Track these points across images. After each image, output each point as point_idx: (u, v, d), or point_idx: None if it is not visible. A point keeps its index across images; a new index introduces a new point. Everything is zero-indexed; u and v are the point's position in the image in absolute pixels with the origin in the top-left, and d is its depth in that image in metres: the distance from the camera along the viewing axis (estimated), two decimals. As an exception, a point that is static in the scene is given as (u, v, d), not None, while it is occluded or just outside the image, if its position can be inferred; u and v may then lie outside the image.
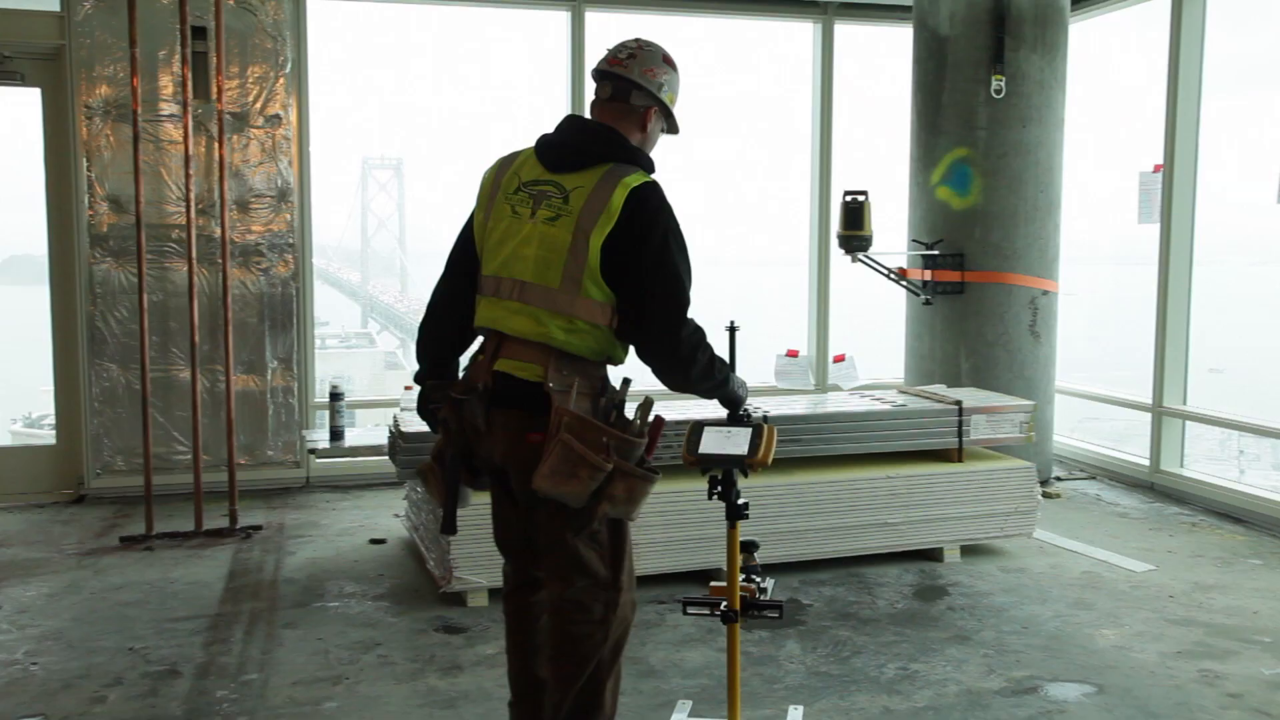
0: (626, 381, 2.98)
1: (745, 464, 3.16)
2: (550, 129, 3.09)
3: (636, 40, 3.15)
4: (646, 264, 2.86)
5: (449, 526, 3.04)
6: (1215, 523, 6.43)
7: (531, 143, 3.07)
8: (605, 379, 2.95)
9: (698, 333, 2.95)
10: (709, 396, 3.14)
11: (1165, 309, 7.08)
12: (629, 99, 3.07)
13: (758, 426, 3.20)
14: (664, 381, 3.02)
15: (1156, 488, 7.17)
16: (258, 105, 7.02)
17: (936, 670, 4.23)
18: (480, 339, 3.06)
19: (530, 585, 3.17)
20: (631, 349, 3.02)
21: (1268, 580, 5.35)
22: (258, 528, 6.23)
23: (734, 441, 3.20)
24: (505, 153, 3.14)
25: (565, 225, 2.86)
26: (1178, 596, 5.12)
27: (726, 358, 3.24)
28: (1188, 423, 7.17)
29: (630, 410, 2.93)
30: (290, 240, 7.14)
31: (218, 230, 6.61)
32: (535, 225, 2.91)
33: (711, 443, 3.22)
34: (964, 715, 3.83)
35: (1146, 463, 7.27)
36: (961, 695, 4.00)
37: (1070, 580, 5.36)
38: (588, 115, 3.14)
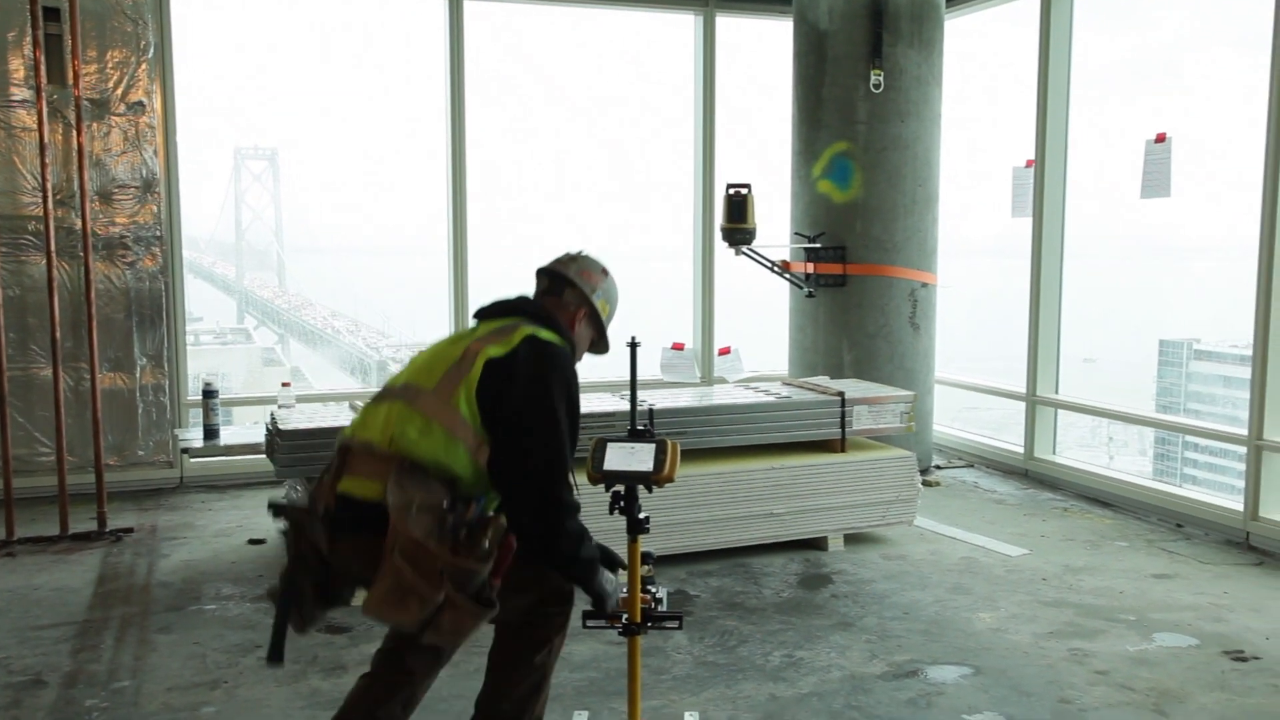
0: (482, 501, 2.86)
1: (651, 480, 3.17)
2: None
3: (580, 250, 3.31)
4: (525, 407, 2.85)
5: (275, 654, 2.85)
6: (1085, 507, 6.66)
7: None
8: (455, 496, 2.77)
9: (576, 509, 2.91)
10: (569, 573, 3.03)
11: (1038, 301, 7.30)
12: (562, 295, 3.20)
13: (661, 442, 3.21)
14: (526, 545, 2.85)
15: (1031, 474, 7.39)
16: (119, 91, 6.74)
17: (821, 657, 4.28)
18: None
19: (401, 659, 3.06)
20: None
21: (1133, 561, 5.56)
22: (128, 530, 6.00)
23: (638, 458, 3.20)
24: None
25: (461, 344, 2.95)
26: (1050, 579, 5.28)
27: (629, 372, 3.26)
28: (1060, 411, 7.41)
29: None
30: (157, 233, 6.88)
31: (78, 222, 6.32)
32: (439, 346, 3.01)
33: (616, 459, 3.22)
34: (847, 700, 3.89)
35: (1021, 450, 7.49)
36: (845, 680, 4.06)
37: (949, 566, 5.49)
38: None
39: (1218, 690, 3.99)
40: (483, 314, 3.13)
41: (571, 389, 2.97)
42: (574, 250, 3.32)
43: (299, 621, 2.86)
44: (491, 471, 2.86)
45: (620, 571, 3.20)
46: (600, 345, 3.31)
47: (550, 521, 2.89)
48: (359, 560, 2.78)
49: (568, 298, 3.20)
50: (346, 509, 2.79)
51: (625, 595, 3.19)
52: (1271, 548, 5.68)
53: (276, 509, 2.92)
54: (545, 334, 2.99)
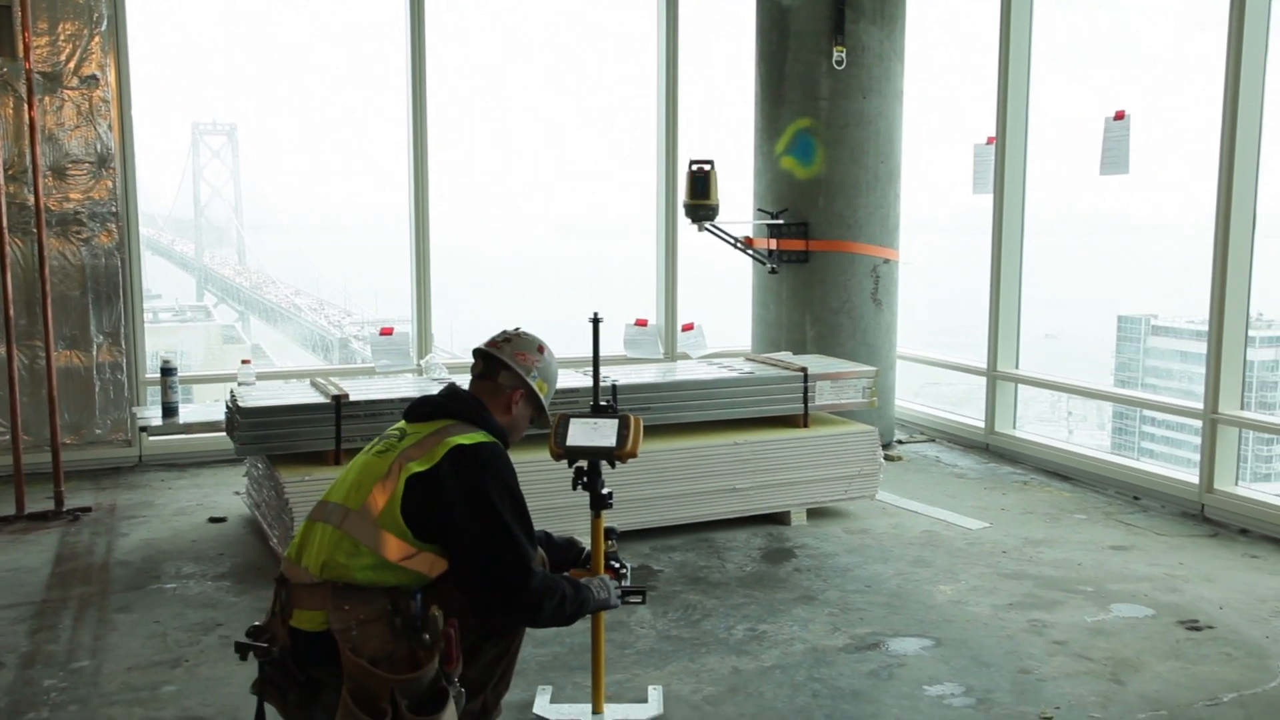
0: (426, 598, 2.88)
1: (614, 456, 3.18)
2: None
3: (516, 328, 3.31)
4: (470, 520, 2.87)
5: None
6: (1045, 480, 6.74)
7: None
8: (397, 600, 2.84)
9: (544, 582, 2.95)
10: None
11: (998, 277, 7.35)
12: (496, 378, 3.19)
13: (624, 418, 3.22)
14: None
15: (991, 449, 7.46)
16: (71, 65, 6.62)
17: (784, 630, 4.31)
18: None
19: None
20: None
21: (1091, 534, 5.64)
22: (86, 509, 5.94)
23: (601, 433, 3.22)
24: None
25: (388, 458, 2.94)
26: (1010, 552, 5.34)
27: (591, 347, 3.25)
28: (1020, 386, 7.47)
29: None
30: (113, 209, 6.77)
31: (31, 198, 6.21)
32: (367, 456, 3.00)
33: (579, 435, 3.23)
34: (810, 672, 3.92)
35: (982, 425, 7.56)
36: (808, 653, 4.09)
37: (911, 539, 5.54)
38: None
39: (1173, 659, 4.06)
40: (412, 414, 3.12)
41: (509, 482, 2.98)
42: (510, 329, 3.33)
43: (284, 710, 2.95)
44: (457, 583, 2.91)
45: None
46: (541, 421, 3.31)
47: (529, 613, 2.96)
48: (332, 682, 2.86)
49: (502, 380, 3.19)
50: (301, 644, 2.86)
51: (614, 590, 3.24)
52: (1226, 519, 5.77)
53: (242, 649, 2.95)
54: (471, 438, 2.98)
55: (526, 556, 2.93)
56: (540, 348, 3.28)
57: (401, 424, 3.12)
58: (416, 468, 2.89)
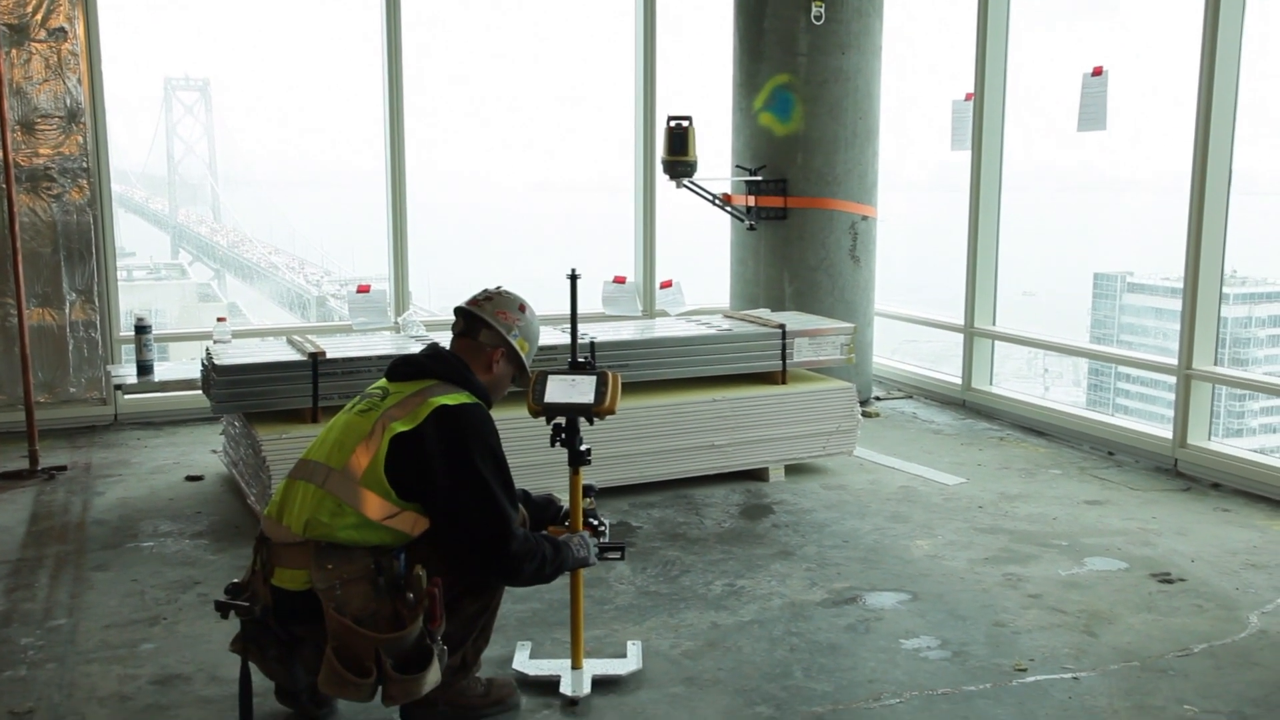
0: (409, 557, 2.89)
1: (592, 413, 3.18)
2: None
3: (498, 286, 3.30)
4: (452, 481, 2.88)
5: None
6: (1021, 436, 6.78)
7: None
8: (381, 559, 2.86)
9: (525, 544, 2.98)
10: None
11: (976, 234, 7.35)
12: (478, 336, 3.19)
13: (602, 374, 3.22)
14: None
15: (968, 405, 7.50)
16: (38, 17, 6.49)
17: (762, 585, 4.34)
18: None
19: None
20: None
21: (1066, 489, 5.69)
22: (62, 468, 5.90)
23: (579, 390, 3.22)
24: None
25: (370, 417, 2.94)
26: (986, 507, 5.38)
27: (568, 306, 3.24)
28: (997, 343, 7.50)
29: None
30: (84, 164, 6.68)
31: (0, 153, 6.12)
32: (349, 415, 3.00)
33: (557, 391, 3.23)
34: (788, 626, 3.95)
35: (959, 381, 7.59)
36: (785, 607, 4.12)
37: (888, 495, 5.57)
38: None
39: (1145, 611, 4.11)
40: (394, 373, 3.11)
41: (492, 444, 2.99)
42: (491, 287, 3.32)
43: (264, 666, 3.02)
44: (440, 544, 2.92)
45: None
46: (522, 379, 3.32)
47: (509, 574, 3.01)
48: (313, 639, 2.89)
49: (483, 339, 3.20)
50: (284, 602, 2.88)
51: (593, 547, 3.27)
52: (1198, 474, 5.83)
53: (223, 607, 2.96)
54: (454, 399, 2.98)
55: (508, 519, 2.94)
56: (521, 306, 3.28)
57: (383, 382, 3.11)
58: (400, 428, 2.89)
